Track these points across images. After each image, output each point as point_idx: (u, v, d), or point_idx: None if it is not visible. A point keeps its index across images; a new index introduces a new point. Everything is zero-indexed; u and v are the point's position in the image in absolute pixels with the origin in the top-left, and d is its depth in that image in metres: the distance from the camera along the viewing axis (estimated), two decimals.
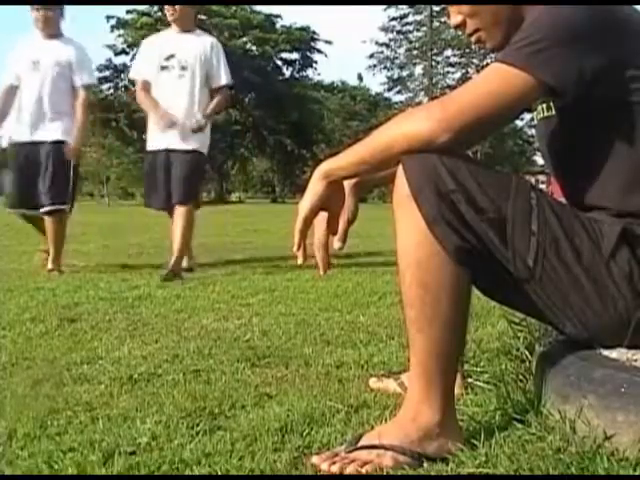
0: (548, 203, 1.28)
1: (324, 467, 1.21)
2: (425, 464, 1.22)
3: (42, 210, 4.31)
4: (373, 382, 1.74)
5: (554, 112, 1.40)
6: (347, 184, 1.39)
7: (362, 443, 1.26)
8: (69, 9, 4.61)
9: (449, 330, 1.27)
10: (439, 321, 1.25)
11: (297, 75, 40.12)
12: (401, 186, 1.25)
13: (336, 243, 1.38)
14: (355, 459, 1.22)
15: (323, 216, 1.37)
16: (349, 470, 1.20)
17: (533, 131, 38.00)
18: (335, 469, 1.20)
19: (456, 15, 1.46)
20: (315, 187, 1.32)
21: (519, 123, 37.15)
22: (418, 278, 1.25)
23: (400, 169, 1.26)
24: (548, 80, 1.23)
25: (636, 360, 1.31)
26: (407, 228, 1.26)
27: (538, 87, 1.24)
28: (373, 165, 1.31)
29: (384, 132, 1.29)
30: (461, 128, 1.23)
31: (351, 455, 1.23)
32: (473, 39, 1.48)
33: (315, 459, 1.24)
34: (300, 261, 1.36)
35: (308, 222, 1.34)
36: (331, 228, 1.38)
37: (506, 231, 1.24)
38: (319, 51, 38.90)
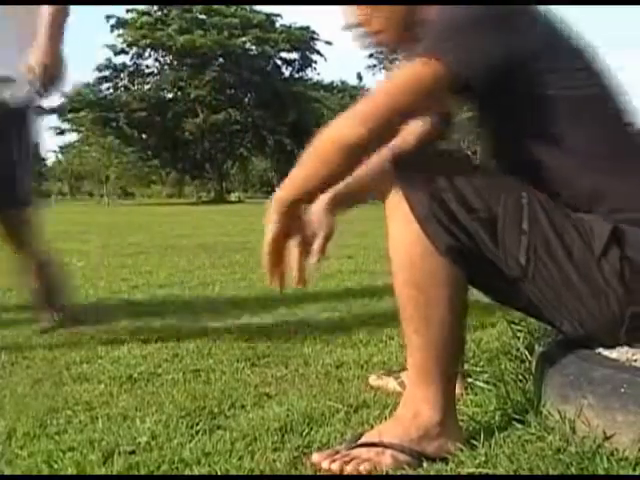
0: (539, 202, 1.28)
1: (324, 465, 1.22)
2: (425, 464, 1.23)
3: None
4: (373, 380, 1.74)
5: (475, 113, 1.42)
6: (322, 200, 1.39)
7: (362, 441, 1.27)
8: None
9: (446, 330, 1.26)
10: (435, 321, 1.25)
11: (297, 75, 40.10)
12: (394, 187, 1.25)
13: (312, 259, 1.36)
14: (355, 457, 1.22)
15: (294, 242, 1.34)
16: (349, 468, 1.20)
17: None
18: (335, 467, 1.21)
19: (354, 15, 1.47)
20: (274, 218, 1.30)
21: None
22: (411, 278, 1.25)
23: (392, 171, 1.26)
24: (455, 65, 1.23)
25: (636, 360, 1.31)
26: (399, 228, 1.26)
27: (447, 73, 1.23)
28: (323, 178, 1.30)
29: (316, 144, 1.30)
30: (378, 125, 1.24)
31: (351, 453, 1.24)
32: (372, 41, 1.48)
33: (315, 457, 1.24)
34: (278, 288, 1.34)
35: (274, 255, 1.30)
36: (306, 249, 1.36)
37: (497, 230, 1.24)
38: (319, 53, 38.90)
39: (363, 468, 1.20)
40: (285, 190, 1.31)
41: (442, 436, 1.26)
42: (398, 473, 1.20)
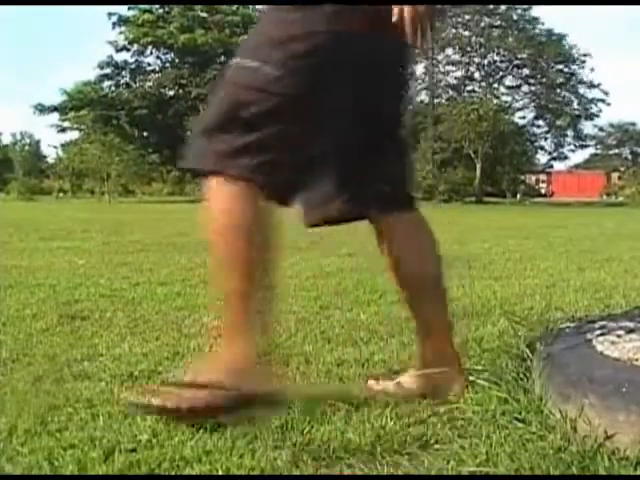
0: None
1: (133, 398, 1.43)
2: (425, 462, 1.23)
3: None
4: (372, 384, 1.72)
5: None
6: None
7: (180, 381, 1.45)
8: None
9: (246, 272, 1.46)
10: (238, 264, 1.46)
11: None
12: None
13: None
14: (169, 392, 1.40)
15: None
16: (156, 401, 1.38)
17: (535, 130, 37.95)
18: (145, 400, 1.39)
19: None
20: None
21: (521, 122, 37.09)
22: (217, 225, 1.48)
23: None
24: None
25: (637, 360, 1.31)
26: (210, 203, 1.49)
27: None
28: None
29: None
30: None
31: (173, 391, 1.41)
32: None
33: (127, 393, 1.44)
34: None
35: None
36: None
37: None
38: None
39: (174, 404, 1.37)
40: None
41: (256, 374, 1.43)
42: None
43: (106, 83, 36.97)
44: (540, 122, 37.75)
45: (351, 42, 1.51)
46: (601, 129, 44.66)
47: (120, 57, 37.01)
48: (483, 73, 36.90)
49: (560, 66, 36.10)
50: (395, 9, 1.45)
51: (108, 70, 36.94)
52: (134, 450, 1.30)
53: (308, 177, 1.60)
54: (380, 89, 1.61)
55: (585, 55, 35.94)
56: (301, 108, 1.48)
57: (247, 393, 1.41)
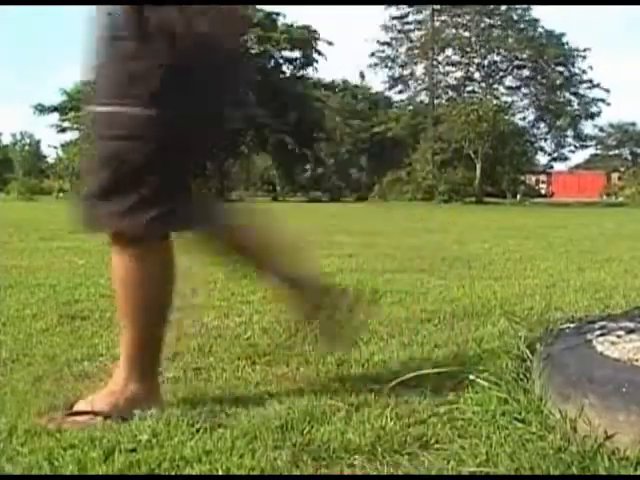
0: None
1: (42, 422, 1.43)
2: (426, 462, 1.23)
3: None
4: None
5: None
6: None
7: (75, 409, 1.50)
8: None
9: (148, 323, 1.56)
10: (139, 316, 1.54)
11: (298, 73, 40.05)
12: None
13: None
14: (71, 421, 1.44)
15: None
16: (66, 426, 1.41)
17: (535, 131, 37.93)
18: (52, 426, 1.41)
19: None
20: None
21: (521, 123, 37.07)
22: (122, 280, 1.54)
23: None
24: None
25: (637, 360, 1.31)
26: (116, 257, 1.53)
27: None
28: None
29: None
30: None
31: (68, 418, 1.46)
32: None
33: (36, 420, 1.45)
34: None
35: None
36: None
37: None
38: (319, 52, 38.83)
39: (78, 427, 1.42)
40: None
41: (146, 404, 1.50)
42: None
43: None
44: (540, 123, 37.75)
45: (194, 61, 1.47)
46: (601, 129, 44.69)
47: None
48: (483, 74, 36.89)
49: (560, 68, 36.12)
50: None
51: None
52: (134, 450, 1.30)
53: (208, 202, 1.67)
54: (227, 94, 1.61)
55: (585, 50, 35.96)
56: (179, 142, 1.47)
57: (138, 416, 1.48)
